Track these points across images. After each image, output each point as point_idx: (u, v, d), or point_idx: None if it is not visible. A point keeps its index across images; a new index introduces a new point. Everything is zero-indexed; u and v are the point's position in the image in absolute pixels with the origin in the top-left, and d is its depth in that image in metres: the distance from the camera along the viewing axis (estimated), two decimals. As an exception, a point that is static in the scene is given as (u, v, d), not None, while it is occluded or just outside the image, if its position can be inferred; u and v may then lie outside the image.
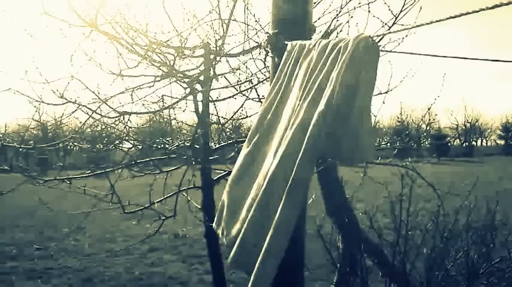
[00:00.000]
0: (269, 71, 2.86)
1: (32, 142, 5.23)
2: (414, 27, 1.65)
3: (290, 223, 1.66)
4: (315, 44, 1.86)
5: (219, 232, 2.18)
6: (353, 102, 1.58)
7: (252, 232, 1.80)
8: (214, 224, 2.25)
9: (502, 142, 52.04)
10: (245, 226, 1.84)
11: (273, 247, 1.65)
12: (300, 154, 1.64)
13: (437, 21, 1.24)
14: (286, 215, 1.65)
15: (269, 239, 1.65)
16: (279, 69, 2.10)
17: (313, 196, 4.48)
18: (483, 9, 1.04)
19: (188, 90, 4.10)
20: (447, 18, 1.17)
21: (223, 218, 2.15)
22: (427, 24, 1.29)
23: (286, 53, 2.09)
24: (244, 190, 2.02)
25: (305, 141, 1.64)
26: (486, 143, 59.45)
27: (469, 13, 1.09)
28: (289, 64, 2.02)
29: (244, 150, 2.14)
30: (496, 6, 1.04)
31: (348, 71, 1.56)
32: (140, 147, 4.76)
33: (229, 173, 2.73)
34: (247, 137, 2.16)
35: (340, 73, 1.57)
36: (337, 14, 3.73)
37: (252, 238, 1.79)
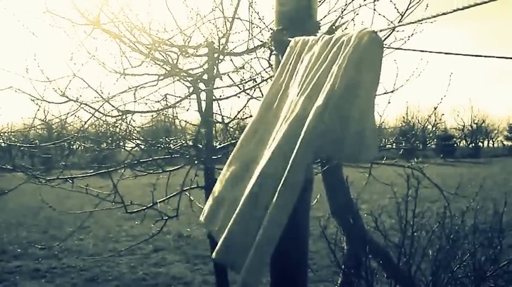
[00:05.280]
0: (273, 70, 2.82)
1: (37, 141, 5.21)
2: (421, 20, 1.60)
3: (280, 224, 1.60)
4: (318, 39, 1.82)
5: (206, 222, 2.12)
6: (355, 99, 1.53)
7: (239, 227, 1.74)
8: (202, 217, 2.19)
9: (509, 143, 51.61)
10: (232, 221, 1.77)
11: (262, 247, 1.60)
12: (295, 151, 1.57)
13: (443, 13, 1.19)
14: (276, 215, 1.60)
15: (258, 239, 1.60)
16: (280, 65, 2.06)
17: (318, 197, 4.43)
18: (492, 0, 0.99)
19: (191, 89, 4.07)
20: (454, 11, 1.12)
21: (210, 208, 2.10)
22: (434, 17, 1.25)
23: (288, 48, 2.04)
24: (236, 182, 1.96)
25: (301, 137, 1.57)
26: (493, 144, 58.89)
27: (478, 4, 1.05)
28: (291, 60, 1.97)
29: (240, 148, 2.10)
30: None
31: (350, 65, 1.50)
32: (143, 146, 4.73)
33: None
34: (245, 134, 2.12)
35: (341, 67, 1.51)
36: (342, 11, 3.69)
37: (239, 234, 1.73)
